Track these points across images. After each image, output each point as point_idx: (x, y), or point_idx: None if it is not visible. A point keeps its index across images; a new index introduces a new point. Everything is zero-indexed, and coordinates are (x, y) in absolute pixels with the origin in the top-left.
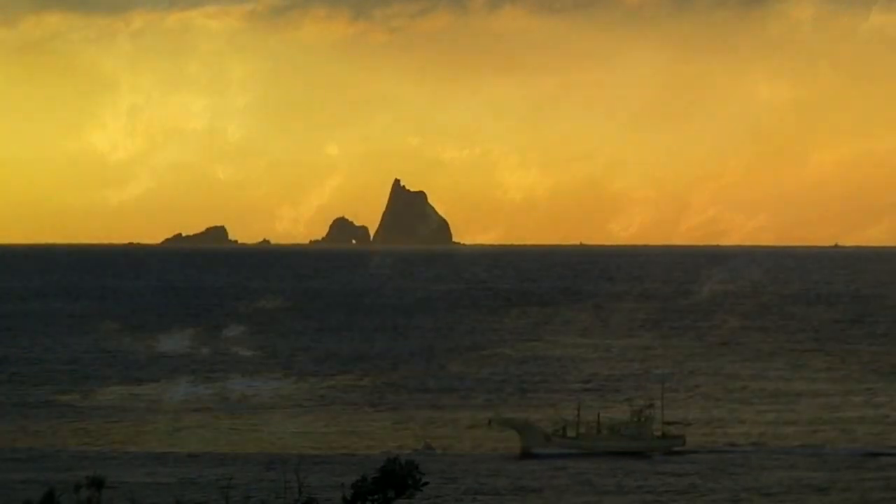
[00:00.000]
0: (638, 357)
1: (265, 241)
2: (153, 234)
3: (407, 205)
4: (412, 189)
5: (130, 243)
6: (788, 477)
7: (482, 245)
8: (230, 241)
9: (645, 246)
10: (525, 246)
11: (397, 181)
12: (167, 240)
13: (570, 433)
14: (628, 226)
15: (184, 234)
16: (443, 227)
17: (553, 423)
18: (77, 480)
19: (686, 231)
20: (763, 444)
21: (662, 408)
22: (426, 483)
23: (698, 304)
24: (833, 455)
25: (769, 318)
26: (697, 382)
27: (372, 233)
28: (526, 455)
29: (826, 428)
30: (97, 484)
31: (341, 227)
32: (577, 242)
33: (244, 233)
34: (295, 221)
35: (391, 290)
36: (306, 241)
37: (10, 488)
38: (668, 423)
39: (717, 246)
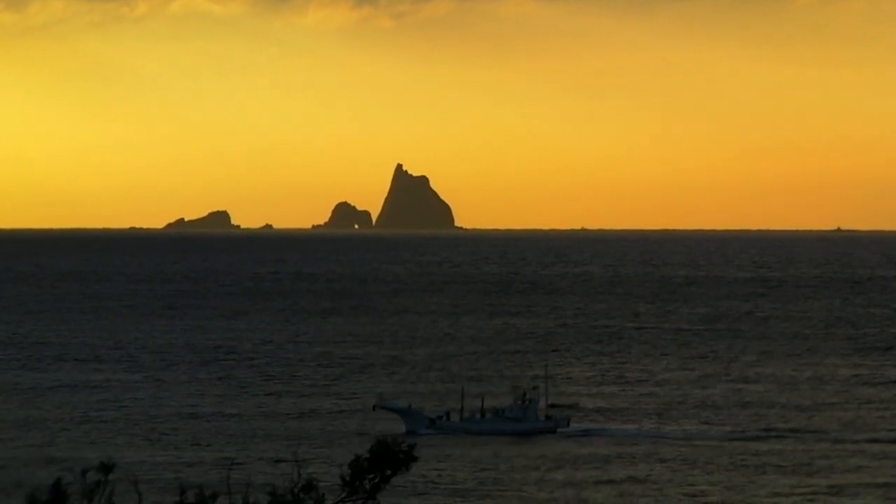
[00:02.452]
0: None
1: (268, 226)
2: (156, 218)
3: (409, 189)
4: (414, 174)
5: (133, 228)
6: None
7: (484, 230)
8: (233, 226)
9: (650, 231)
10: (527, 230)
11: (399, 166)
12: (170, 224)
13: (454, 417)
14: (632, 211)
15: (186, 219)
16: (445, 211)
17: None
18: (85, 465)
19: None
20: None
21: (547, 391)
22: (416, 458)
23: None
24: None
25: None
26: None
27: (374, 218)
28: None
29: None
30: (106, 469)
31: (344, 211)
32: (580, 227)
33: (247, 218)
34: (297, 206)
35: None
36: (309, 226)
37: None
38: (553, 406)
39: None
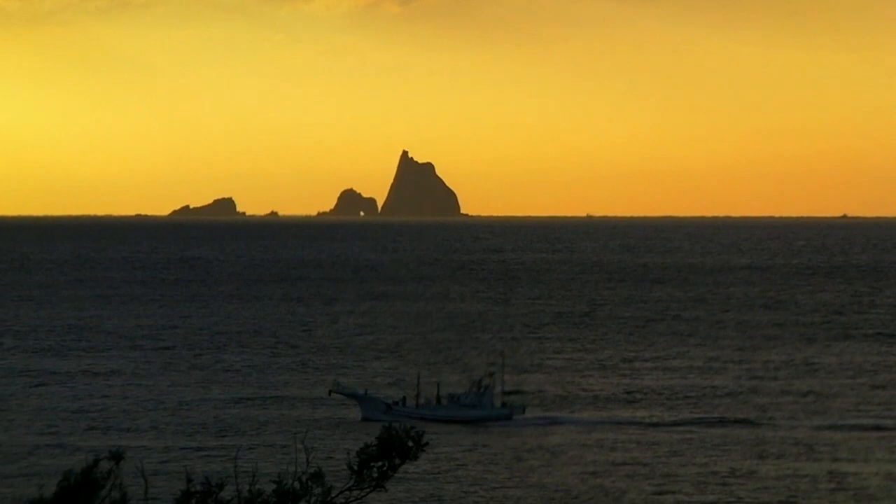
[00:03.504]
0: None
1: (273, 213)
2: (161, 205)
3: (415, 176)
4: (420, 160)
5: (138, 215)
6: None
7: (490, 216)
8: (238, 213)
9: (645, 217)
10: (533, 217)
11: (405, 153)
12: (175, 211)
13: (410, 403)
14: (637, 197)
15: (192, 206)
16: (451, 198)
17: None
18: (96, 455)
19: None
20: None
21: (502, 378)
22: (427, 443)
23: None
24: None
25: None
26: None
27: (380, 204)
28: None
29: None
30: (116, 457)
31: (349, 198)
32: (585, 214)
33: (252, 205)
34: (303, 193)
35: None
36: (314, 213)
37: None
38: (509, 394)
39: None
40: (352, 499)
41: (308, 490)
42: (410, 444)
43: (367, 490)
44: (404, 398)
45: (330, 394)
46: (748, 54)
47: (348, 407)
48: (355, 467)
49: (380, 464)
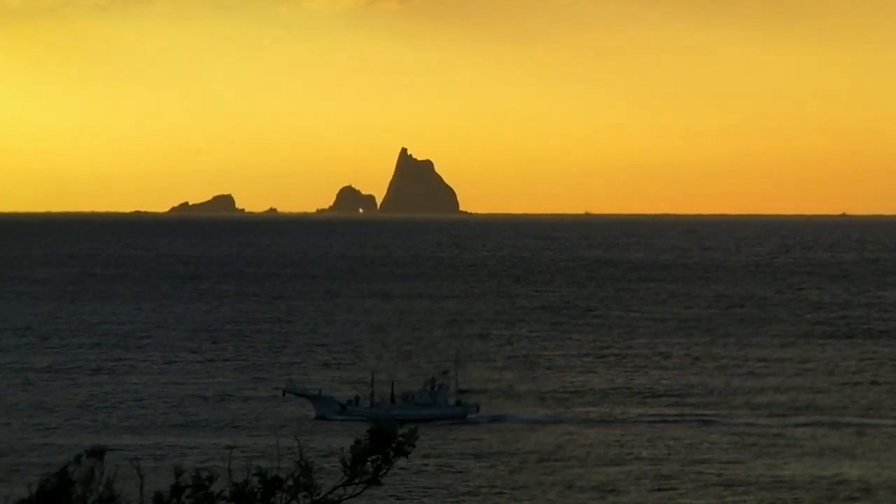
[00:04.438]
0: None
1: (272, 210)
2: (160, 202)
3: (414, 173)
4: (419, 158)
5: (137, 211)
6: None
7: (489, 214)
8: (237, 209)
9: (649, 215)
10: (531, 215)
11: (404, 150)
12: (174, 208)
13: (364, 403)
14: (636, 195)
15: (191, 203)
16: (450, 195)
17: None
18: (78, 452)
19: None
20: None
21: (457, 377)
22: (417, 438)
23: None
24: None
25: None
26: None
27: (379, 202)
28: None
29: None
30: (98, 453)
31: (348, 195)
32: (583, 212)
33: (251, 201)
34: (302, 190)
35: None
36: (313, 210)
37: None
38: (463, 392)
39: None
40: (346, 495)
41: (299, 485)
42: (401, 438)
43: (363, 486)
44: (357, 397)
45: (284, 394)
46: (747, 51)
47: (304, 406)
48: (348, 463)
49: (373, 458)
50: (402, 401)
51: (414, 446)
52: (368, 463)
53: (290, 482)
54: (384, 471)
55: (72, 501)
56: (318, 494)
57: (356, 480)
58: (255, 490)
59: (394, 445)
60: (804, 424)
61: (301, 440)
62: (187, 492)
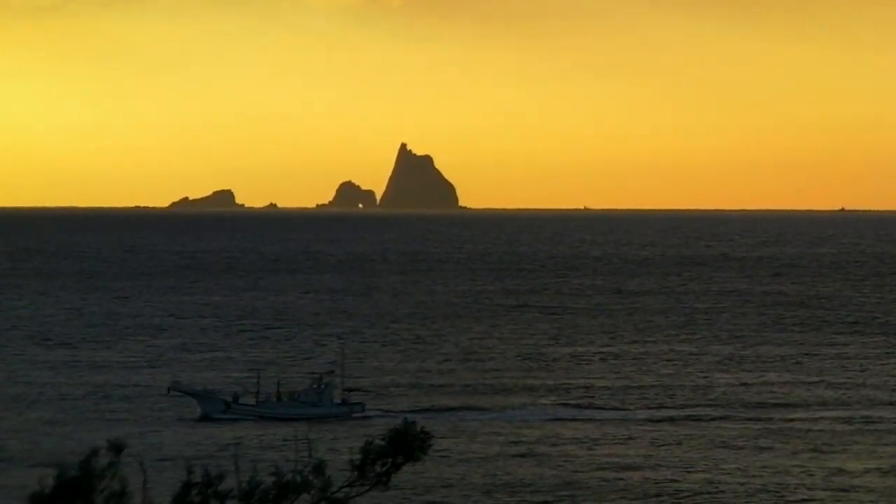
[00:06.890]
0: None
1: (272, 205)
2: (161, 197)
3: (413, 169)
4: (419, 153)
5: (137, 207)
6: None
7: (489, 209)
8: (238, 204)
9: (647, 210)
10: (530, 210)
11: (404, 145)
12: (174, 203)
13: (250, 400)
14: (635, 191)
15: (191, 198)
16: (449, 191)
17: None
18: (95, 446)
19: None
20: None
21: (343, 374)
22: (431, 444)
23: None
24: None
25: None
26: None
27: (378, 197)
28: (205, 419)
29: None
30: (117, 449)
31: (348, 191)
32: (582, 207)
33: (251, 196)
34: (302, 185)
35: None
36: (313, 205)
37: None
38: (349, 390)
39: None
40: (353, 494)
41: (308, 483)
42: (417, 444)
43: (369, 487)
44: (236, 394)
45: (169, 392)
46: (746, 48)
47: (189, 405)
48: (358, 463)
49: (384, 461)
50: (288, 399)
51: (426, 454)
52: (378, 465)
53: (297, 478)
54: (391, 474)
55: (93, 493)
56: (329, 491)
57: (363, 482)
58: (269, 492)
59: (408, 450)
60: (803, 419)
61: (311, 438)
62: (196, 489)
